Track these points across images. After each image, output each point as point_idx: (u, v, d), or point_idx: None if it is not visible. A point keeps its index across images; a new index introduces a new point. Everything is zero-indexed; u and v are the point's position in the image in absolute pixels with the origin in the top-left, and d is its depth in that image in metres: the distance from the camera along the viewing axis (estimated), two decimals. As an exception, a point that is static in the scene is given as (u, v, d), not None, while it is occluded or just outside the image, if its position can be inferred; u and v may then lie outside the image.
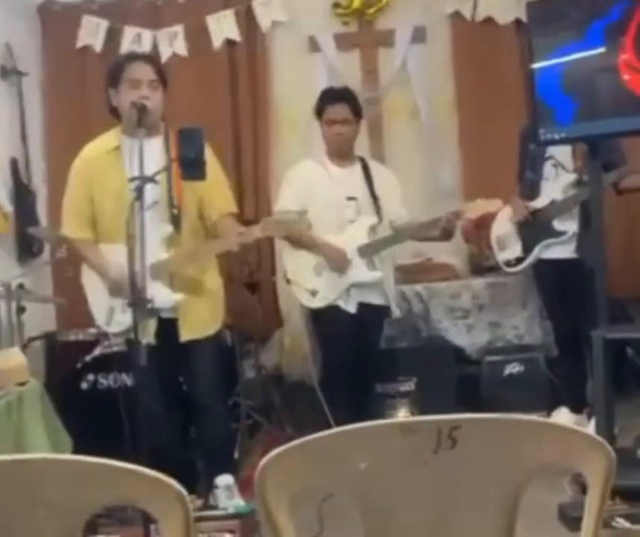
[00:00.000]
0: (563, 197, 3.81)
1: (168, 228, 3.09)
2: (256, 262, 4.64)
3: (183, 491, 1.21)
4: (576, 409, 3.90)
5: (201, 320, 3.20)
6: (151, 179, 2.65)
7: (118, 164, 3.07)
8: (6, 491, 1.23)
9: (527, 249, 3.99)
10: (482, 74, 4.71)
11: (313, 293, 3.72)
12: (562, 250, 3.85)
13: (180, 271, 3.14)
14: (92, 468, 1.22)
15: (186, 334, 3.16)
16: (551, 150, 3.78)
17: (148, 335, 3.04)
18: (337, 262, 3.68)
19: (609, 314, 3.11)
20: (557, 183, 3.84)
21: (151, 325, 3.07)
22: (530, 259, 3.98)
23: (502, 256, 4.12)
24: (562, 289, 3.84)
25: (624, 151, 3.70)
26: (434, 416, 1.18)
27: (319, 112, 3.76)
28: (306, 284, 3.72)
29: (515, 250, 4.04)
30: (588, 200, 3.42)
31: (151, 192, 2.84)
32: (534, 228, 3.91)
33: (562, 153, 3.80)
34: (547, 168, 3.86)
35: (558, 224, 3.85)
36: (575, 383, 3.94)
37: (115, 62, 3.16)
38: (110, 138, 3.16)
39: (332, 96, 3.76)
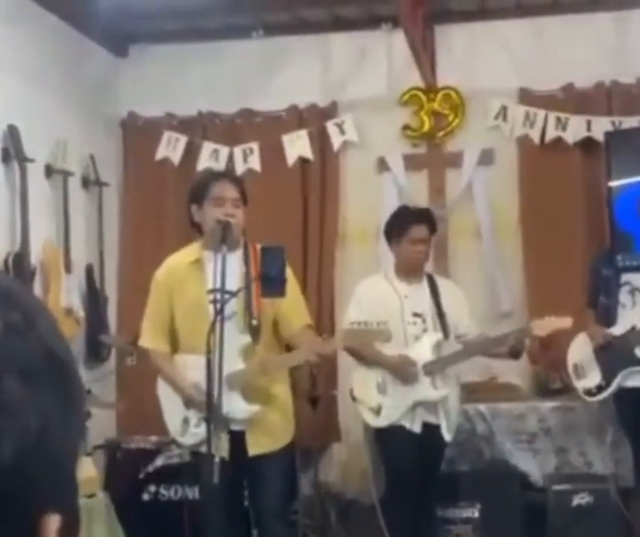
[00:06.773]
0: None
1: (247, 339, 3.09)
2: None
3: None
4: None
5: (271, 434, 3.16)
6: (234, 293, 2.70)
7: (199, 275, 3.13)
8: None
9: (607, 377, 3.89)
10: (547, 195, 4.69)
11: (377, 411, 3.67)
12: None
13: (254, 382, 3.13)
14: None
15: (254, 448, 3.11)
16: (626, 276, 3.77)
17: (222, 450, 3.02)
18: (404, 373, 3.62)
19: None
20: (636, 309, 3.80)
21: (224, 440, 3.05)
22: (613, 388, 3.87)
23: (581, 385, 4.02)
24: None
25: None
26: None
27: (401, 230, 3.77)
28: (370, 402, 3.68)
29: (594, 378, 3.94)
30: None
31: (230, 303, 2.88)
32: (614, 355, 3.84)
33: (639, 278, 3.77)
34: (623, 295, 3.83)
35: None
36: None
37: (201, 180, 3.27)
38: (190, 251, 3.23)
39: (417, 216, 3.80)
